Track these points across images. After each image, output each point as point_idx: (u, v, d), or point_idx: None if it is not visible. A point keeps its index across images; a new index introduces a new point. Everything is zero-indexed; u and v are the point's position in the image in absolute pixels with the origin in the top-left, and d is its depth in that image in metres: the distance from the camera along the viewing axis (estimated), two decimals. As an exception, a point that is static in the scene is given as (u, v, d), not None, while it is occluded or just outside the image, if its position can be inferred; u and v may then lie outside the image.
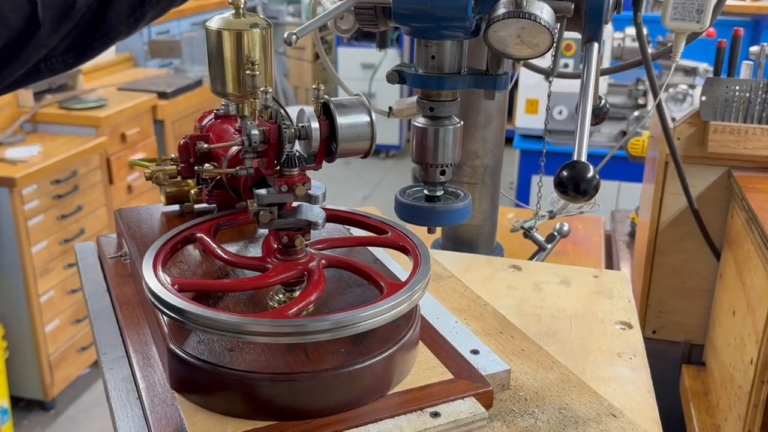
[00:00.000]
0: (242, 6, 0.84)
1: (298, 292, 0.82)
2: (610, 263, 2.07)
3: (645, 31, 1.88)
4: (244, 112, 0.80)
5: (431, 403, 0.75)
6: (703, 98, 1.61)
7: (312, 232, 0.82)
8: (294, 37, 0.77)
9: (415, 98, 0.90)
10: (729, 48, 1.66)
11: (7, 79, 0.81)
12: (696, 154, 1.63)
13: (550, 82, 1.24)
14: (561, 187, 0.70)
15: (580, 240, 1.68)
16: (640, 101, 3.36)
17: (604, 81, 3.17)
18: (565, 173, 0.70)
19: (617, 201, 3.36)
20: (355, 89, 1.09)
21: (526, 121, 3.39)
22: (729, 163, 1.62)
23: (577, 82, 0.77)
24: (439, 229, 1.46)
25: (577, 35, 0.78)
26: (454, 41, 0.80)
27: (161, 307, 0.74)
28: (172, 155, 1.03)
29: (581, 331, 1.07)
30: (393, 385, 0.77)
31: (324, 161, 0.81)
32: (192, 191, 1.05)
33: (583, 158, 0.70)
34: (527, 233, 1.50)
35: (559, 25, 0.77)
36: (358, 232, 0.98)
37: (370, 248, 0.98)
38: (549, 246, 1.49)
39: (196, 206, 1.07)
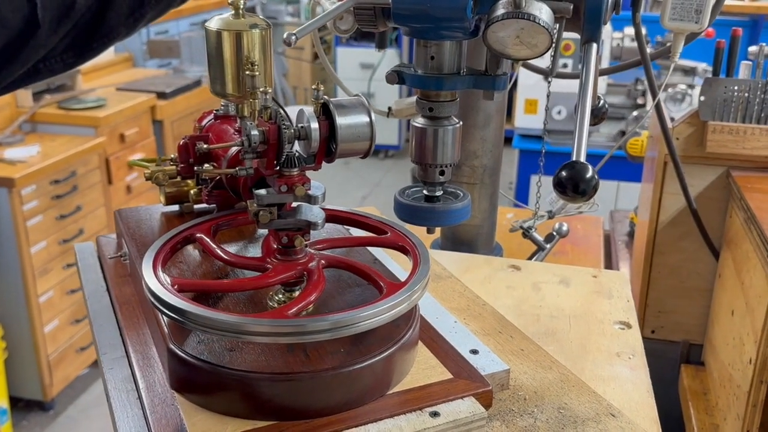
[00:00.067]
0: (242, 6, 0.84)
1: (297, 292, 0.82)
2: (609, 263, 2.07)
3: (644, 31, 1.88)
4: (244, 113, 0.80)
5: (431, 402, 0.76)
6: (702, 98, 1.61)
7: (311, 232, 0.82)
8: (293, 37, 0.77)
9: (414, 98, 0.90)
10: (728, 48, 1.67)
11: (7, 80, 0.81)
12: (695, 154, 1.63)
13: (549, 82, 1.24)
14: (560, 187, 0.70)
15: (579, 240, 1.69)
16: (639, 101, 3.36)
17: (603, 81, 3.17)
18: (564, 173, 0.70)
19: (616, 201, 3.36)
20: (354, 89, 1.09)
21: (525, 121, 3.39)
22: (728, 163, 1.62)
23: (576, 82, 0.77)
24: (438, 229, 1.47)
25: (576, 35, 0.78)
26: (453, 42, 0.80)
27: (161, 308, 0.74)
28: (172, 155, 1.04)
29: (580, 331, 1.07)
30: (392, 385, 0.77)
31: (323, 161, 0.81)
32: (191, 191, 1.05)
33: (582, 158, 0.70)
34: (526, 233, 1.50)
35: (557, 25, 0.77)
36: (357, 232, 0.98)
37: (369, 248, 0.98)
38: (548, 246, 1.50)
39: (195, 206, 1.07)
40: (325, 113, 0.80)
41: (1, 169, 2.74)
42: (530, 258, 1.49)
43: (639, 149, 2.14)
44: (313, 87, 0.79)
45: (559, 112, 3.22)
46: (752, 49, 1.78)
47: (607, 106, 1.03)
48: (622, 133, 3.28)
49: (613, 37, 3.13)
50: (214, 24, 0.85)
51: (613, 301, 1.15)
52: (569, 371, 0.89)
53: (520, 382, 0.86)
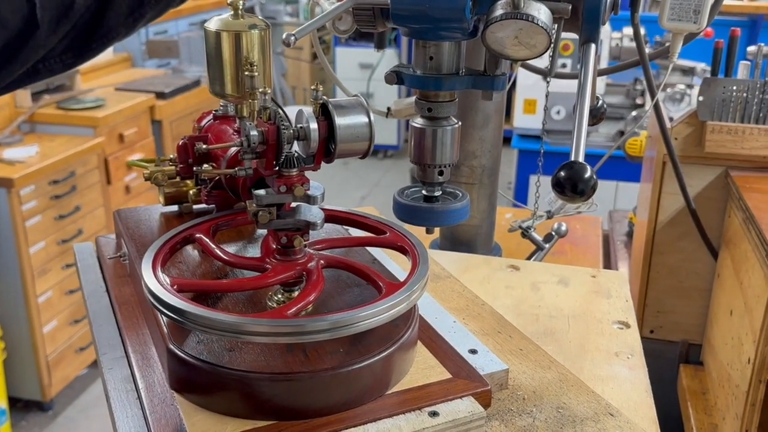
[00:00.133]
0: (240, 7, 0.85)
1: (296, 293, 0.82)
2: (608, 263, 2.07)
3: (642, 31, 1.88)
4: (243, 113, 0.81)
5: (430, 402, 0.76)
6: (701, 98, 1.61)
7: (311, 232, 0.82)
8: (292, 38, 0.77)
9: (413, 99, 0.90)
10: (726, 48, 1.67)
11: (6, 80, 0.81)
12: (693, 153, 1.63)
13: (548, 82, 1.24)
14: (559, 187, 0.70)
15: (578, 240, 1.69)
16: (638, 101, 3.36)
17: (602, 81, 3.17)
18: (562, 173, 0.70)
19: (615, 201, 3.36)
20: (353, 89, 1.09)
21: (524, 121, 3.39)
22: (726, 162, 1.62)
23: (574, 82, 0.77)
24: (437, 230, 1.47)
25: (575, 35, 0.78)
26: (452, 42, 0.80)
27: (160, 308, 0.74)
28: (171, 156, 1.04)
29: (579, 331, 1.07)
30: (392, 385, 0.78)
31: (322, 162, 0.81)
32: (191, 192, 1.05)
33: (581, 158, 0.70)
34: (525, 233, 1.50)
35: (556, 25, 0.77)
36: (356, 232, 0.98)
37: (368, 248, 0.98)
38: (547, 246, 1.50)
39: (194, 207, 1.07)
40: (324, 113, 0.80)
41: (0, 170, 2.74)
42: (529, 258, 1.50)
43: (638, 149, 2.14)
44: (312, 87, 0.79)
45: (558, 112, 3.22)
46: (751, 49, 1.78)
47: (605, 106, 1.03)
48: (621, 133, 3.28)
49: (612, 38, 3.13)
50: (213, 24, 0.85)
51: (611, 301, 1.15)
52: (568, 371, 0.89)
53: (519, 381, 0.86)
